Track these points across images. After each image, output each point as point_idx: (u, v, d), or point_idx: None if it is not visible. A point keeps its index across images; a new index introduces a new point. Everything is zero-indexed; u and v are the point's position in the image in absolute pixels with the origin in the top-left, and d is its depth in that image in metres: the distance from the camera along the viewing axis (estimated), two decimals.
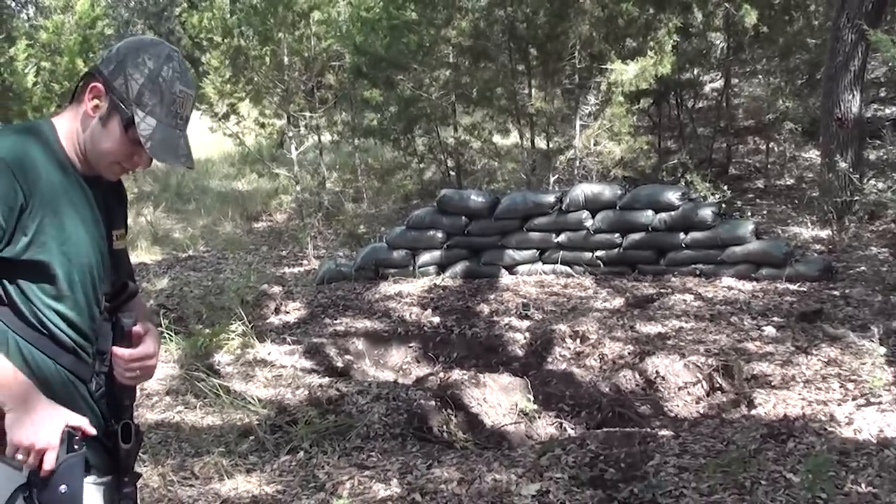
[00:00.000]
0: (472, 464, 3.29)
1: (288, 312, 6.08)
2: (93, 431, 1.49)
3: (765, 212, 8.02)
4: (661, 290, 5.69)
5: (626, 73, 7.35)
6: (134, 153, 1.54)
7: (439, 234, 6.51)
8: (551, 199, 6.33)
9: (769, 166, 9.68)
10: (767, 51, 9.52)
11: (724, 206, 6.82)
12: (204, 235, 9.86)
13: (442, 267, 6.57)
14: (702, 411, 4.06)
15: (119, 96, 1.49)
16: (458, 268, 6.53)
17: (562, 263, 6.35)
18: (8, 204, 1.39)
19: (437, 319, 5.66)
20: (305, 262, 8.11)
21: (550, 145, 8.87)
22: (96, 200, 1.57)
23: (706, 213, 5.92)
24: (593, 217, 6.24)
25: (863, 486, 2.73)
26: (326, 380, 4.56)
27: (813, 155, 9.59)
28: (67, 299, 1.50)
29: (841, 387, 3.77)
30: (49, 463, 1.41)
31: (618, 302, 5.58)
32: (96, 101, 1.51)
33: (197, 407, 4.19)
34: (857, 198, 6.54)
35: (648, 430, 3.59)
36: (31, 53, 11.04)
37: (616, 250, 6.21)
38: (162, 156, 1.52)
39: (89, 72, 1.55)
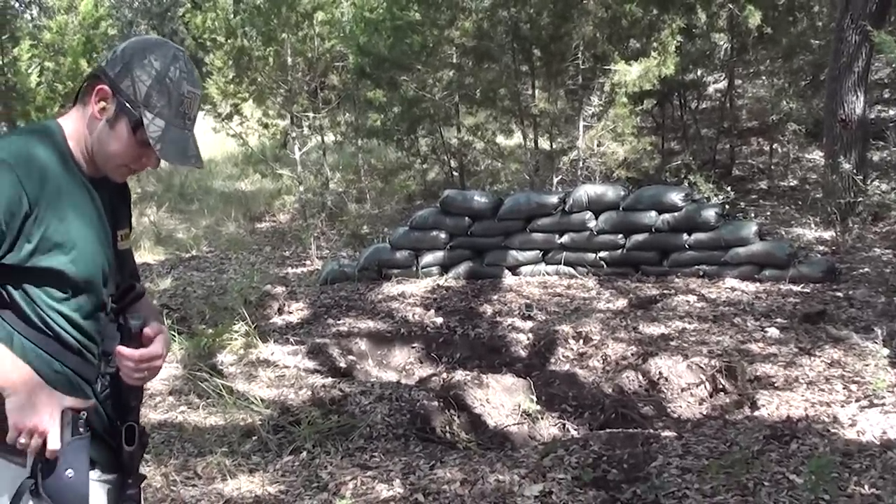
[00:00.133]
0: (475, 464, 3.29)
1: (291, 313, 6.09)
2: (92, 402, 1.49)
3: (768, 213, 8.01)
4: (665, 292, 5.68)
5: (629, 73, 7.36)
6: (142, 155, 1.53)
7: (442, 235, 6.52)
8: (555, 199, 6.33)
9: (773, 167, 9.66)
10: (771, 52, 9.50)
11: (727, 207, 6.82)
12: (207, 236, 9.87)
13: (445, 267, 6.58)
14: (705, 412, 4.05)
15: (126, 98, 1.48)
16: (462, 268, 6.54)
17: (565, 264, 6.35)
18: (11, 209, 1.38)
19: (440, 320, 5.66)
20: (308, 262, 8.12)
21: (554, 146, 8.87)
22: (102, 202, 1.56)
23: (709, 214, 5.91)
24: (597, 218, 6.24)
25: (866, 487, 2.73)
26: (329, 380, 4.56)
27: (816, 156, 9.57)
28: (72, 301, 1.49)
29: (844, 388, 3.76)
30: (54, 442, 1.39)
31: (621, 303, 5.58)
32: (103, 104, 1.49)
33: (200, 407, 4.20)
34: (860, 199, 6.53)
35: (651, 431, 3.59)
36: (35, 54, 11.10)
37: (619, 251, 6.22)
38: (172, 157, 1.51)
39: (94, 73, 1.53)
